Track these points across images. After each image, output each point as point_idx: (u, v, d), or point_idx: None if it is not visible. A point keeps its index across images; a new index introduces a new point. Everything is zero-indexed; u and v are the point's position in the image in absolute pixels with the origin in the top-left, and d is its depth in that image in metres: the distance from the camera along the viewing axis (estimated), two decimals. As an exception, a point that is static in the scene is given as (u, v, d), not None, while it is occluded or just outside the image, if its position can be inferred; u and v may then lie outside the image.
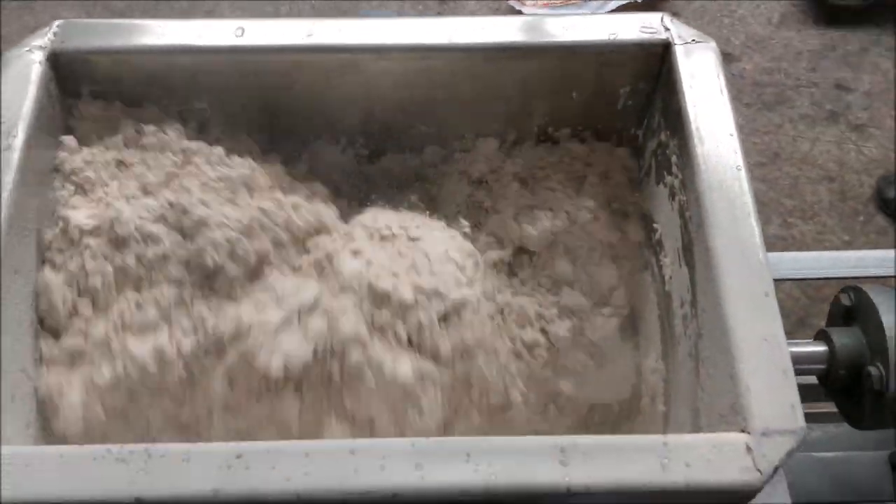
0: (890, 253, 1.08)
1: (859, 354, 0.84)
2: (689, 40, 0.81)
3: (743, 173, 0.73)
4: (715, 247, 0.69)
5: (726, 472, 0.60)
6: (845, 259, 1.10)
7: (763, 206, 1.86)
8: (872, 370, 0.78)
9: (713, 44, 0.81)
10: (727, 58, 2.13)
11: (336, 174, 0.92)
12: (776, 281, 0.70)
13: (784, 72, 2.16)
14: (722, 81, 0.78)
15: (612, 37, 0.82)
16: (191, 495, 0.59)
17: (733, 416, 0.64)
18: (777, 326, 0.66)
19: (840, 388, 0.87)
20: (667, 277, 0.81)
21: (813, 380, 0.85)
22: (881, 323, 0.80)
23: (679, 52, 0.80)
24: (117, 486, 0.59)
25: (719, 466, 0.61)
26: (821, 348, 0.86)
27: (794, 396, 0.63)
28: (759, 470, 0.61)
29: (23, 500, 0.59)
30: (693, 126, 0.75)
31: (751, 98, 2.10)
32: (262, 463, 0.60)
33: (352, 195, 0.92)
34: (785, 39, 2.24)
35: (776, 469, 0.61)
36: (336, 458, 0.60)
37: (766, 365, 0.64)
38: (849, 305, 0.89)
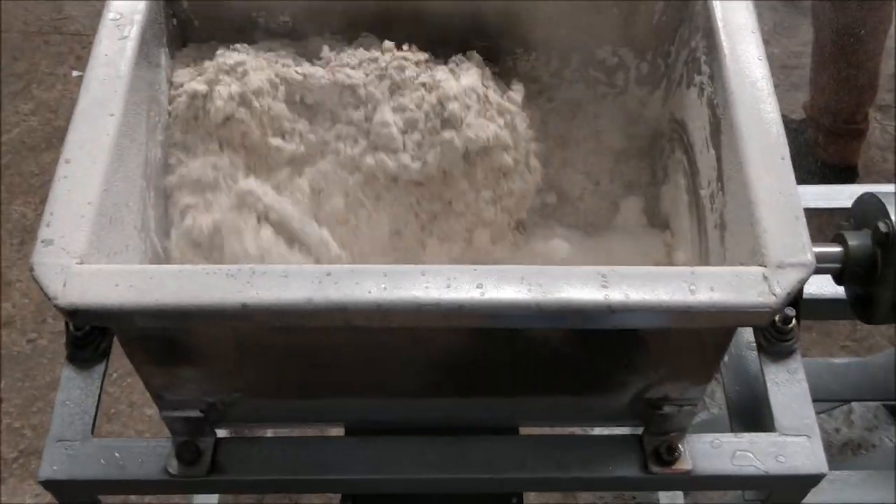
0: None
1: (872, 249, 0.93)
2: (716, -44, 0.91)
3: (763, 62, 0.83)
4: (739, 122, 0.79)
5: (746, 295, 0.70)
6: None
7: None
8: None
9: (736, -41, 0.91)
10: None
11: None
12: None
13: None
14: (745, -11, 0.89)
15: (648, -45, 0.93)
16: (287, 302, 0.69)
17: (752, 259, 0.73)
18: (791, 183, 0.76)
19: (854, 287, 0.97)
20: (697, 167, 0.91)
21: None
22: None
23: (706, -35, 0.90)
24: (227, 294, 0.70)
25: (740, 290, 0.70)
26: (836, 248, 0.96)
27: (805, 237, 0.73)
28: (773, 294, 0.70)
29: (147, 304, 0.69)
30: (720, 24, 0.86)
31: (779, 79, 2.17)
32: (347, 279, 0.70)
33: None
34: (813, 26, 2.32)
35: (789, 295, 0.71)
36: (410, 277, 0.71)
37: (782, 211, 0.74)
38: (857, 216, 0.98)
